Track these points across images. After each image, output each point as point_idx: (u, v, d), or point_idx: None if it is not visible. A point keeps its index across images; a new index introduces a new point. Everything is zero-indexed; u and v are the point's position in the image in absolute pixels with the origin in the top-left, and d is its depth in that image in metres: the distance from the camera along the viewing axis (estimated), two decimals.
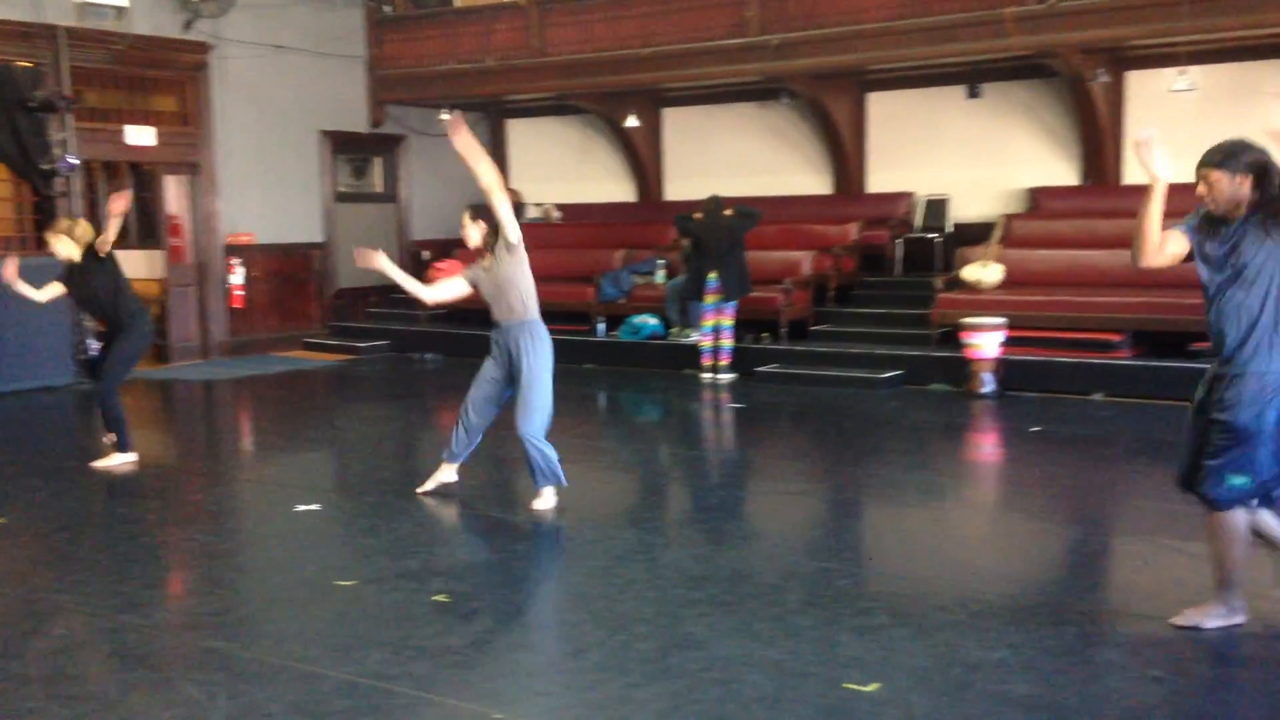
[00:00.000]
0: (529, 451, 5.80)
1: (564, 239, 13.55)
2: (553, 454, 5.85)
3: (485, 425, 6.12)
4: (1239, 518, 3.95)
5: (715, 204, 10.47)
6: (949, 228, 12.19)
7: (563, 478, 5.89)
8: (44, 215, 11.03)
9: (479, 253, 5.93)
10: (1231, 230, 3.86)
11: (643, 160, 14.16)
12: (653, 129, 14.16)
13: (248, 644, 4.17)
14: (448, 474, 6.23)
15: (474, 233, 5.87)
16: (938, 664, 3.86)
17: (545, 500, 5.90)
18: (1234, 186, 3.82)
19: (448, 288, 6.13)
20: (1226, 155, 3.84)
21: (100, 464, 7.18)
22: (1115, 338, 9.48)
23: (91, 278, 7.04)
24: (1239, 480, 3.88)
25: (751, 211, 10.44)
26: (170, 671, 3.91)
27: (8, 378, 10.06)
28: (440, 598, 4.63)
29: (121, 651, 4.11)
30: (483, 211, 5.80)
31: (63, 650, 4.11)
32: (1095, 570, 5.25)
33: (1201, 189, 3.86)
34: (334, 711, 3.57)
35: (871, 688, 3.66)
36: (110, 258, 7.04)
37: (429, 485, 6.25)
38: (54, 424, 7.83)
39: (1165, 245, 3.93)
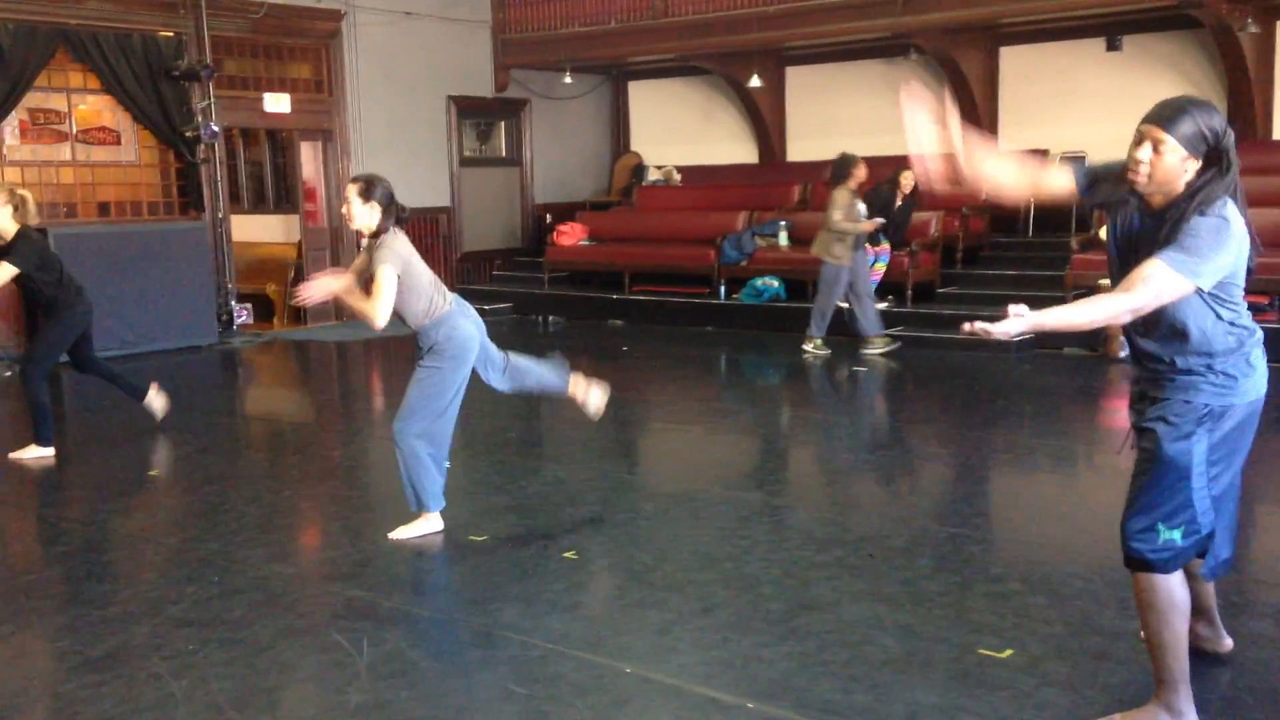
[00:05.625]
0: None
1: (685, 202, 13.50)
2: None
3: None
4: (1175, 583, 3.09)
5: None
6: None
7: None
8: (188, 181, 11.50)
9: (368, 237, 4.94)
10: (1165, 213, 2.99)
11: (765, 121, 14.00)
12: (776, 89, 13.99)
13: (388, 594, 4.32)
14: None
15: (368, 214, 4.80)
16: (1074, 632, 3.79)
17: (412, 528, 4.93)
18: (1180, 167, 2.90)
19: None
20: (1188, 127, 2.89)
21: (15, 455, 6.49)
22: (1262, 300, 9.06)
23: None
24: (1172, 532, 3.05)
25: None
26: (317, 619, 4.08)
27: (154, 337, 10.54)
28: (570, 555, 4.73)
29: (271, 599, 4.30)
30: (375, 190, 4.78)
31: (217, 597, 4.32)
32: (1238, 539, 5.06)
33: (1146, 154, 2.95)
34: (471, 660, 3.68)
35: (1005, 654, 3.62)
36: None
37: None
38: (198, 382, 8.19)
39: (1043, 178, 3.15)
